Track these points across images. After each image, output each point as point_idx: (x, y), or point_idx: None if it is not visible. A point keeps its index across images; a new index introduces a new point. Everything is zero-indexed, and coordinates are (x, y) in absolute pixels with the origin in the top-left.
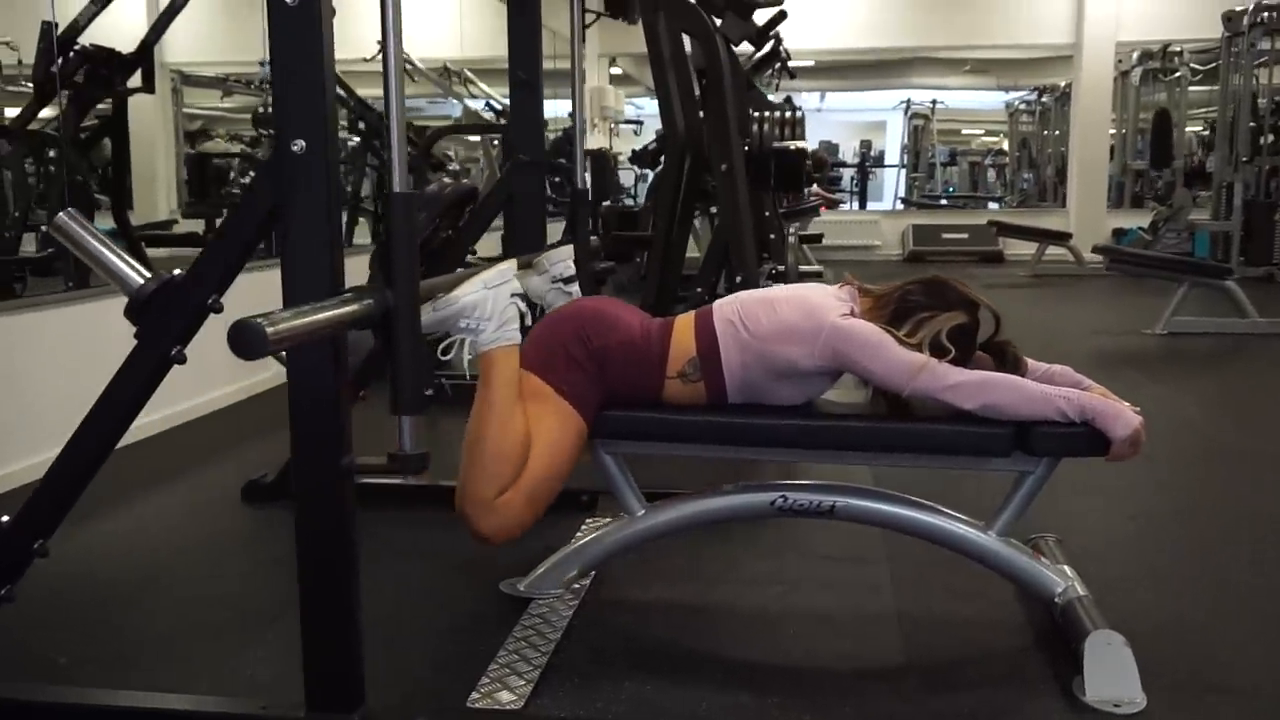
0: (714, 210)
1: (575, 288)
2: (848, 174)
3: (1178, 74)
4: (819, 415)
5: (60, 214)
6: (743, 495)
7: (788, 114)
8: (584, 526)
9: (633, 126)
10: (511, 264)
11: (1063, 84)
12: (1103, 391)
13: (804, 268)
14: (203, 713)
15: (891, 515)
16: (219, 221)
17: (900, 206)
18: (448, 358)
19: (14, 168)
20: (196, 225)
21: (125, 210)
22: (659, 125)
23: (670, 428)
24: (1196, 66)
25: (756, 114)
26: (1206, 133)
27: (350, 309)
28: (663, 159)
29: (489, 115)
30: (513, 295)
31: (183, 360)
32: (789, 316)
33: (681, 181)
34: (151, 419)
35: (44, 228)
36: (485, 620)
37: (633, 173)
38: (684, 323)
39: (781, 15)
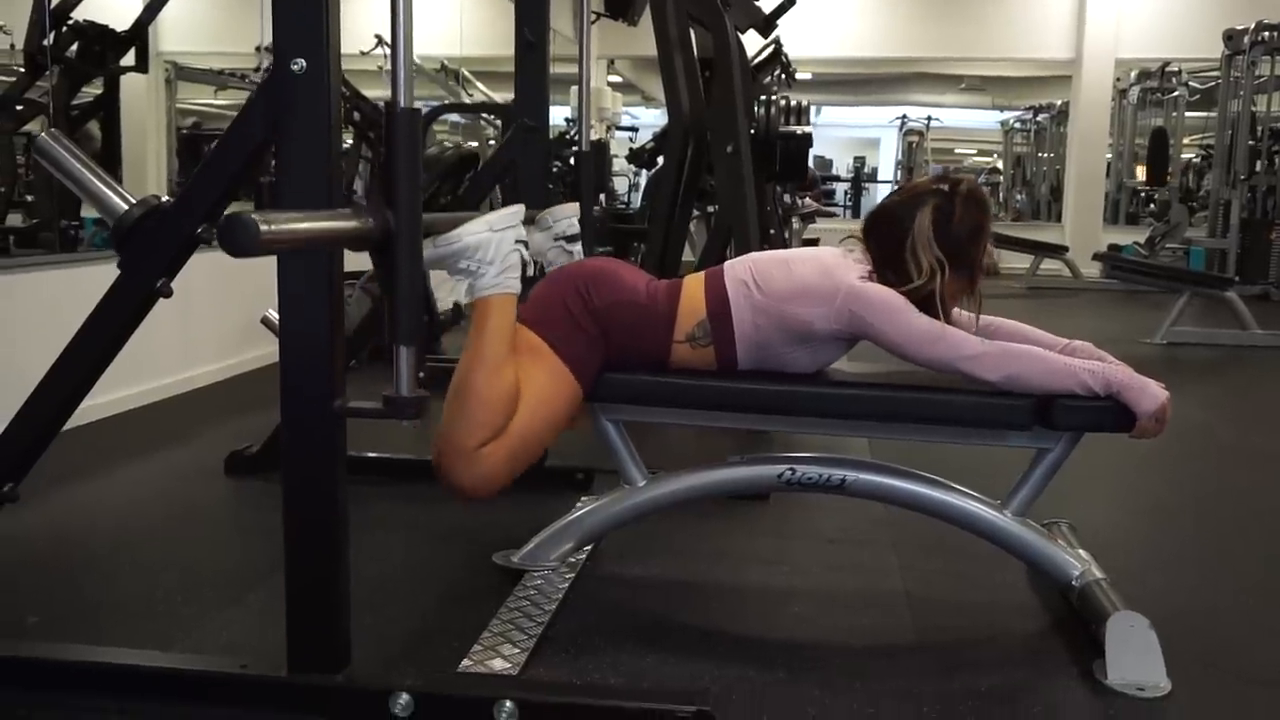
0: (712, 210)
1: (578, 247)
2: (841, 189)
3: (1175, 94)
4: (829, 383)
5: (42, 134)
6: (749, 467)
7: (793, 101)
8: (580, 503)
9: (628, 134)
10: (519, 208)
11: (1059, 103)
12: (1125, 369)
13: None
14: (180, 670)
15: (904, 491)
16: None
17: None
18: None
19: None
20: None
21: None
22: (654, 131)
23: (674, 392)
24: (1195, 86)
25: (762, 97)
26: (1200, 159)
27: (350, 224)
28: (660, 160)
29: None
30: (517, 242)
31: (169, 293)
32: (805, 275)
33: (682, 172)
34: (135, 391)
35: (29, 198)
36: (477, 591)
37: (626, 179)
38: (693, 282)
39: (790, 2)
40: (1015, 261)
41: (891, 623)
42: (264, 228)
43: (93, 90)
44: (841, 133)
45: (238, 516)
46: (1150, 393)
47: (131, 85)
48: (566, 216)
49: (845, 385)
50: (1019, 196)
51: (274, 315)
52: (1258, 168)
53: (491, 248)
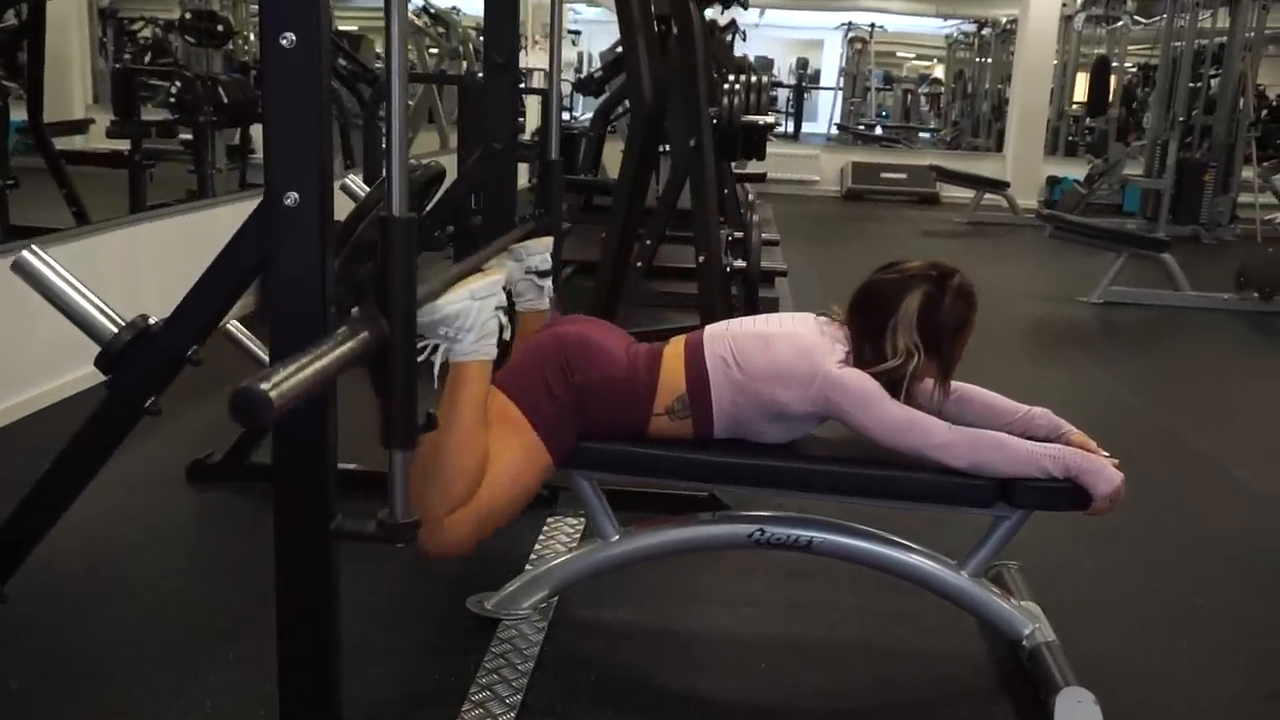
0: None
1: (549, 283)
2: (783, 95)
3: (1120, 22)
4: (802, 457)
5: (23, 251)
6: (720, 526)
7: (753, 79)
8: (546, 525)
9: (571, 37)
10: (501, 276)
11: (1004, 20)
12: (1081, 439)
13: (766, 236)
14: None
15: (868, 552)
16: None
17: (835, 132)
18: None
19: None
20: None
21: (41, 114)
22: (605, 40)
23: (651, 463)
24: (1140, 19)
25: (725, 86)
26: (1137, 81)
27: (348, 347)
28: (607, 88)
29: (420, 20)
30: (497, 309)
31: (157, 412)
32: (784, 356)
33: (644, 155)
34: (82, 374)
35: None
36: (453, 642)
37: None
38: (673, 355)
39: None
40: (956, 193)
41: (852, 679)
42: (275, 396)
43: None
44: (784, 33)
45: (206, 543)
46: (1106, 476)
47: None
48: (540, 252)
49: (816, 460)
50: (959, 112)
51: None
52: (1196, 104)
53: (471, 315)
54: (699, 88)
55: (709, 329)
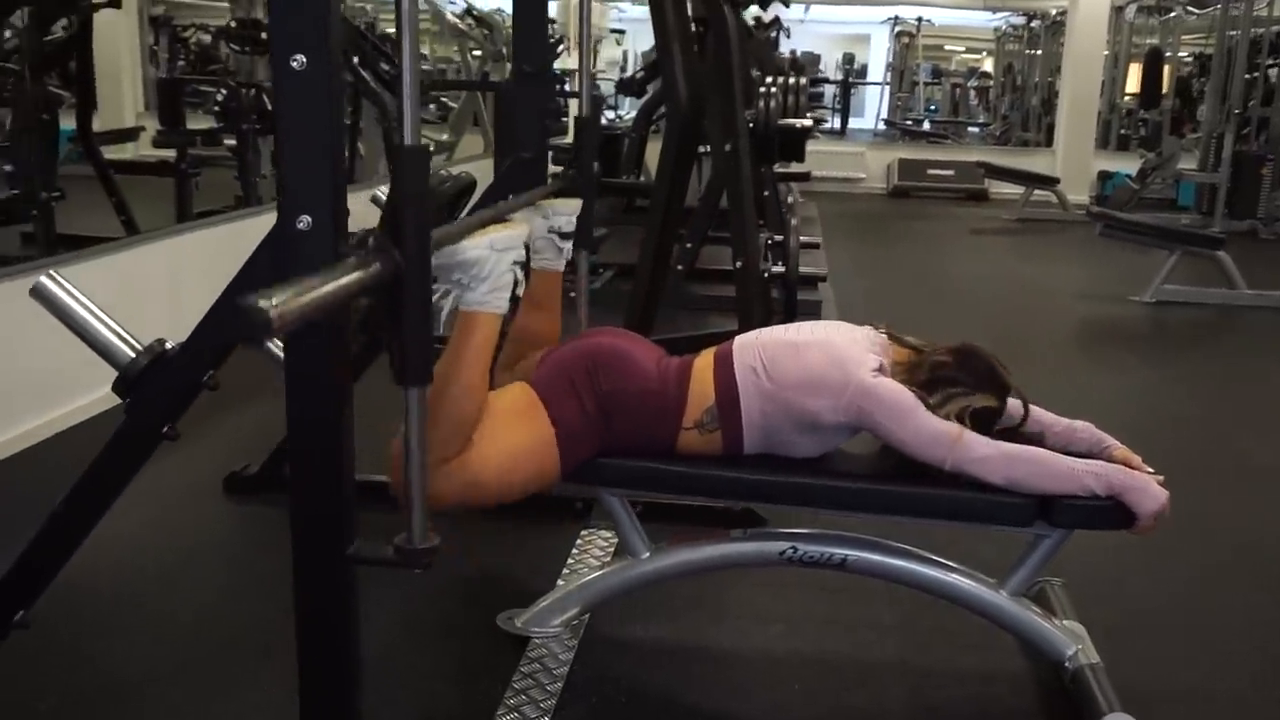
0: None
1: (569, 245)
2: (830, 91)
3: (1173, 12)
4: (833, 473)
5: (42, 277)
6: (751, 544)
7: (791, 80)
8: (580, 539)
9: (615, 36)
10: (524, 231)
11: (1054, 11)
12: (1125, 454)
13: (806, 238)
14: None
15: (904, 571)
16: (190, 151)
17: (883, 127)
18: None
19: None
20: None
21: (90, 123)
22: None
23: (680, 480)
24: (1193, 9)
25: (761, 89)
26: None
27: (356, 276)
28: (649, 88)
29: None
30: (514, 263)
31: (175, 437)
32: (816, 364)
33: (681, 160)
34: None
35: (8, 167)
36: (481, 661)
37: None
38: (703, 366)
39: None
40: (1005, 189)
41: (889, 699)
42: (274, 314)
43: None
44: (830, 28)
45: (243, 553)
46: (1151, 494)
47: None
48: (566, 213)
49: (847, 476)
50: (1008, 107)
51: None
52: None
53: (488, 265)
54: (734, 92)
55: (739, 339)
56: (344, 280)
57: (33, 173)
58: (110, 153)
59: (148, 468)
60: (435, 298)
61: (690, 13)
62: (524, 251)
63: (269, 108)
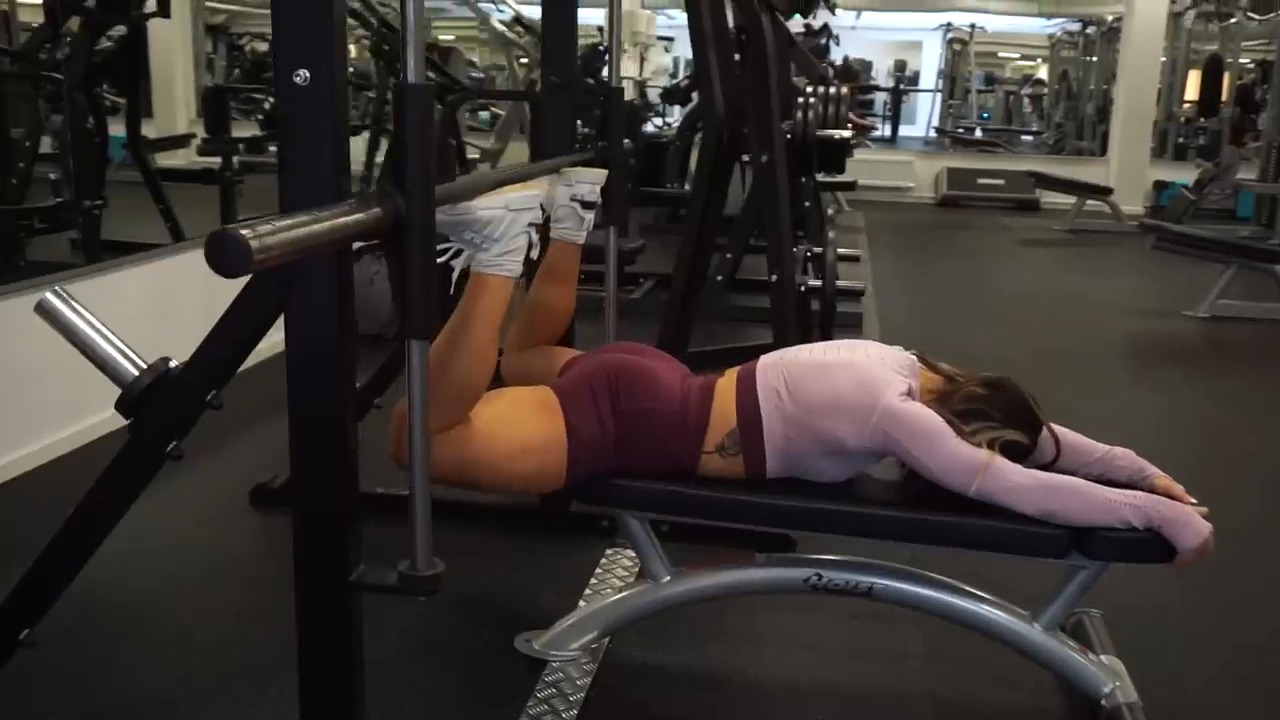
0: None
1: (591, 215)
2: (880, 99)
3: (1233, 19)
4: (860, 500)
5: (47, 293)
6: (774, 570)
7: (830, 90)
8: (604, 558)
9: (663, 43)
10: (541, 193)
11: (1109, 18)
12: (1166, 484)
13: (846, 251)
14: None
15: (933, 601)
16: (235, 159)
17: (934, 134)
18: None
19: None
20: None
21: (138, 130)
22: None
23: (706, 505)
24: (1254, 15)
25: (800, 99)
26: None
27: (354, 218)
28: (694, 96)
29: (512, 31)
30: (530, 224)
31: (179, 457)
32: (841, 387)
33: (717, 169)
34: None
35: (53, 176)
36: (496, 684)
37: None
38: (725, 388)
39: None
40: (1057, 199)
41: None
42: (255, 245)
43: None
44: (882, 35)
45: (265, 568)
46: (1193, 528)
47: None
48: (589, 182)
49: (874, 503)
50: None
51: None
52: None
53: (502, 225)
54: (770, 102)
55: (764, 358)
56: (335, 221)
57: (78, 180)
58: (162, 159)
59: (175, 480)
60: (446, 257)
61: (730, 21)
62: (541, 214)
63: None
